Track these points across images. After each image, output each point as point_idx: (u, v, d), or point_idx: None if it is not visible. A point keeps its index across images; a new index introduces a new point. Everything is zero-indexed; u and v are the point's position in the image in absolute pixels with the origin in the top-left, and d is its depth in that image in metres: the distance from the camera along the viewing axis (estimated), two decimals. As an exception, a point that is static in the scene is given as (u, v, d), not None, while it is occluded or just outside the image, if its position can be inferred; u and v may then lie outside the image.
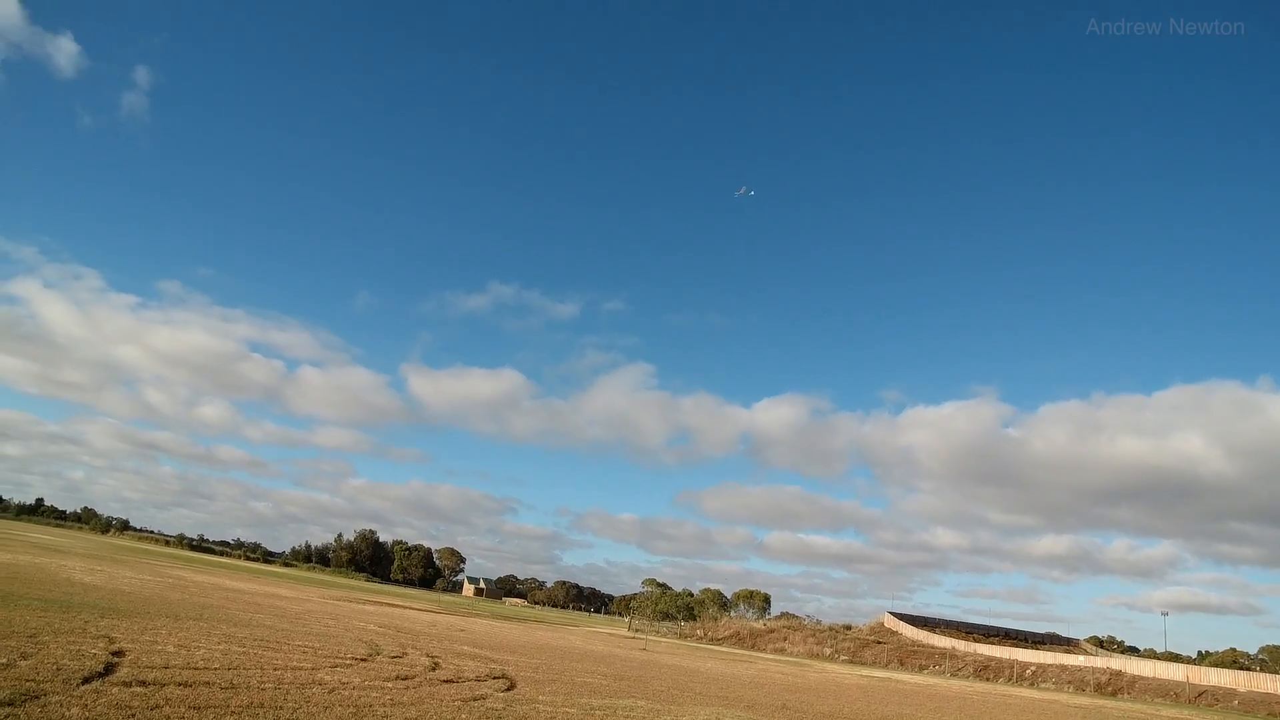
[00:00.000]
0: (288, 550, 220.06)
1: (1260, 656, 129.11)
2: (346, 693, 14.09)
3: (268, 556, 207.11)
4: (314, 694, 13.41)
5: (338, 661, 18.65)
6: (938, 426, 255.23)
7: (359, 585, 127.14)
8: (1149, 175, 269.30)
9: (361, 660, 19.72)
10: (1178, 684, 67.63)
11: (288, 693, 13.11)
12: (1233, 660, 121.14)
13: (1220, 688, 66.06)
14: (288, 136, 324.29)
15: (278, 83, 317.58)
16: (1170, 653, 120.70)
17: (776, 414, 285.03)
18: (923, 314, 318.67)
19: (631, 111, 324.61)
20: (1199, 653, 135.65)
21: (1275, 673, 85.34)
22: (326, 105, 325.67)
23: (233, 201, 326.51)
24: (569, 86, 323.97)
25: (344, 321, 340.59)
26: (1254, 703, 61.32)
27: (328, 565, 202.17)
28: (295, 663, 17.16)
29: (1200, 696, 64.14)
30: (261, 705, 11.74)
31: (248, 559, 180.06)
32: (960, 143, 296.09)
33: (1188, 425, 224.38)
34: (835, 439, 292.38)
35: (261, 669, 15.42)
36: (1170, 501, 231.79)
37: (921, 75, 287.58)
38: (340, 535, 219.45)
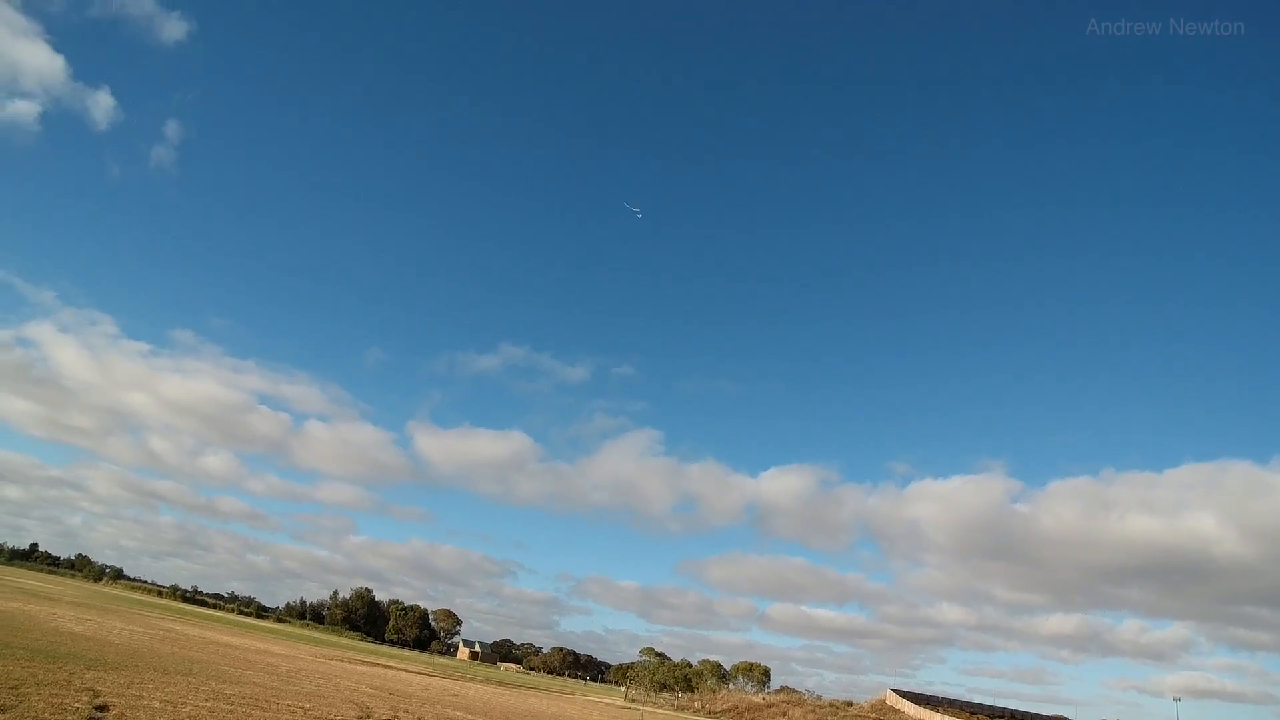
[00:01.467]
0: (282, 606, 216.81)
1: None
2: (334, 757, 13.63)
3: (261, 611, 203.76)
4: (301, 757, 12.97)
5: (327, 724, 18.12)
6: (945, 500, 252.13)
7: (352, 644, 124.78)
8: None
9: (351, 723, 19.17)
10: (1192, 776, 65.11)
11: (274, 755, 12.68)
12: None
13: (1237, 782, 63.58)
14: (309, 193, 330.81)
15: (302, 140, 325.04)
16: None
17: (783, 484, 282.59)
18: (933, 386, 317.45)
19: (647, 177, 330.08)
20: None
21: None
22: (349, 166, 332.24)
23: (251, 254, 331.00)
24: (586, 151, 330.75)
25: (354, 377, 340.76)
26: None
27: (322, 622, 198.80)
28: (283, 723, 16.68)
29: (1216, 791, 61.76)
30: (246, 768, 11.32)
31: (241, 613, 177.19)
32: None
33: (1200, 504, 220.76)
34: (841, 511, 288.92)
35: (248, 729, 14.97)
36: (1182, 582, 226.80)
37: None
38: (336, 593, 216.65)
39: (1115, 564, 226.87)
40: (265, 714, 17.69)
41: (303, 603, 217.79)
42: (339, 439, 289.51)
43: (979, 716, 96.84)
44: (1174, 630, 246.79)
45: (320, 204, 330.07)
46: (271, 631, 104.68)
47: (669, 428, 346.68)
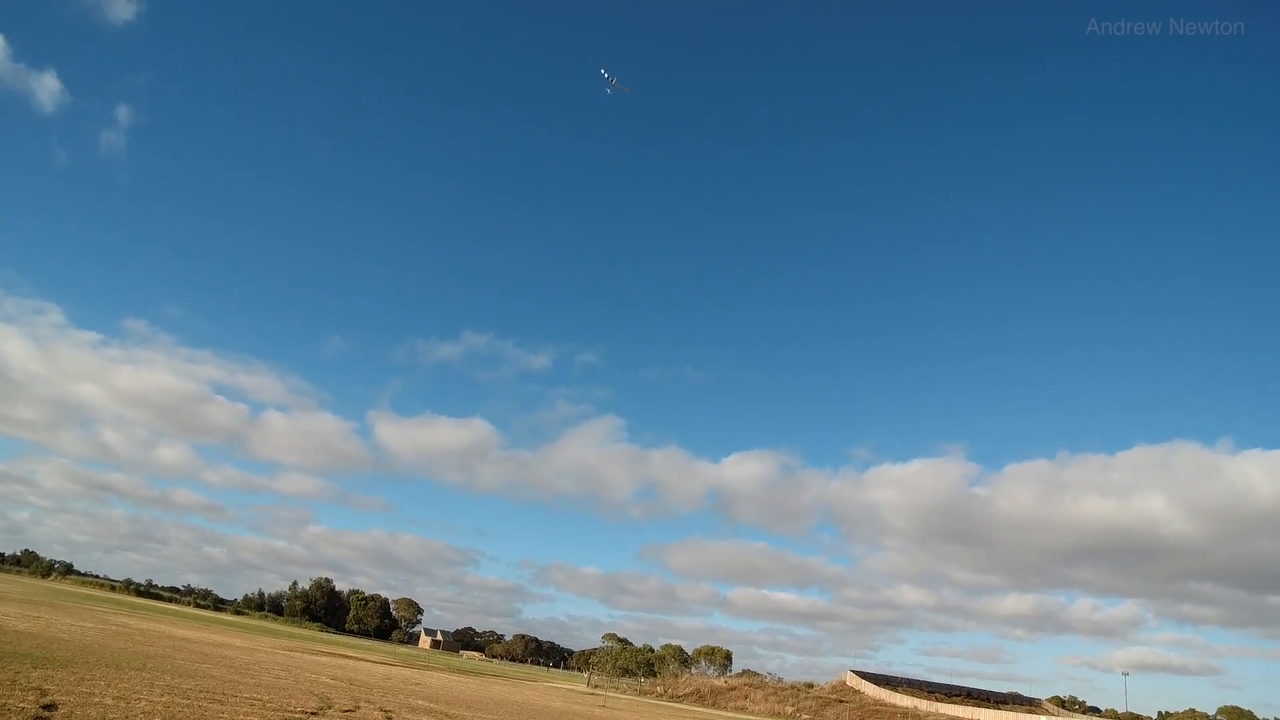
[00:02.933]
0: (240, 598, 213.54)
1: (1218, 717, 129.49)
2: (294, 750, 13.38)
3: (219, 604, 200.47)
4: (259, 751, 12.69)
5: (287, 715, 17.82)
6: (905, 484, 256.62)
7: (312, 635, 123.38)
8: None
9: (311, 714, 18.87)
10: (1140, 746, 67.34)
11: (231, 750, 12.40)
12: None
13: (1182, 750, 65.87)
14: (264, 179, 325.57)
15: (257, 125, 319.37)
16: (1131, 713, 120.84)
17: (745, 469, 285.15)
18: (894, 371, 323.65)
19: (611, 165, 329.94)
20: (1159, 713, 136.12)
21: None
22: (305, 150, 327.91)
23: (207, 242, 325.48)
24: (550, 139, 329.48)
25: (313, 366, 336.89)
26: (1216, 766, 61.11)
27: (281, 614, 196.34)
28: (242, 716, 16.34)
29: (1162, 759, 63.86)
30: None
31: (198, 606, 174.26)
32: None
33: (1150, 486, 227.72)
34: (803, 495, 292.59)
35: (204, 724, 14.63)
36: (1133, 562, 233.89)
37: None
38: (295, 583, 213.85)
39: (1069, 545, 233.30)
40: (223, 708, 17.34)
41: (261, 594, 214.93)
42: (298, 429, 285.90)
43: (937, 695, 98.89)
44: (1124, 608, 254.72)
45: (278, 191, 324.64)
46: (229, 624, 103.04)
47: (632, 415, 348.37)
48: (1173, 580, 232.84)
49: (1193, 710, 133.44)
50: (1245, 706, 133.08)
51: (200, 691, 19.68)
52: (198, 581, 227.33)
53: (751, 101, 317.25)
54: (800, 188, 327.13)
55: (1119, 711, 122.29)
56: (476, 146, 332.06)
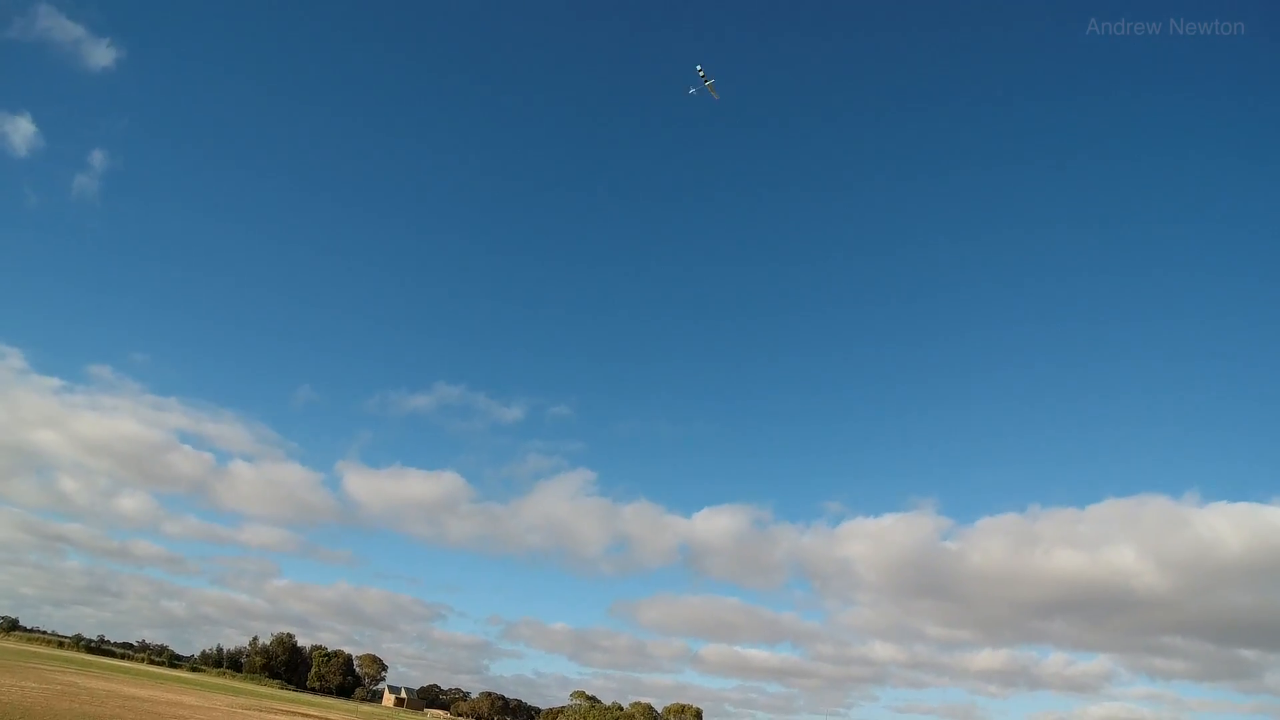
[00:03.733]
0: (197, 654, 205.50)
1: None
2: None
3: (174, 660, 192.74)
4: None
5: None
6: (877, 538, 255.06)
7: (271, 693, 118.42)
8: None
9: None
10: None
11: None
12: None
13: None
14: (237, 226, 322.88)
15: (231, 172, 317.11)
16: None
17: (717, 524, 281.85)
18: (866, 425, 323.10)
19: (584, 217, 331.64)
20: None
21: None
22: (278, 199, 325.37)
23: (177, 289, 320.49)
24: (524, 189, 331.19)
25: (282, 415, 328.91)
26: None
27: (240, 670, 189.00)
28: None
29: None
30: None
31: (153, 662, 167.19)
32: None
33: (1120, 539, 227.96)
34: (775, 550, 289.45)
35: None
36: (1104, 615, 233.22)
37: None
38: (256, 639, 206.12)
39: (1041, 598, 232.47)
40: (175, 780, 15.51)
41: (220, 650, 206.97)
42: (265, 479, 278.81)
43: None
44: (1097, 662, 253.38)
45: (250, 239, 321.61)
46: (185, 681, 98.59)
47: (604, 468, 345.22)
48: (1144, 633, 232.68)
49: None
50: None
51: (150, 760, 17.78)
52: (153, 637, 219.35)
53: (727, 154, 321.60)
54: (770, 240, 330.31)
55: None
56: (450, 195, 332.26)
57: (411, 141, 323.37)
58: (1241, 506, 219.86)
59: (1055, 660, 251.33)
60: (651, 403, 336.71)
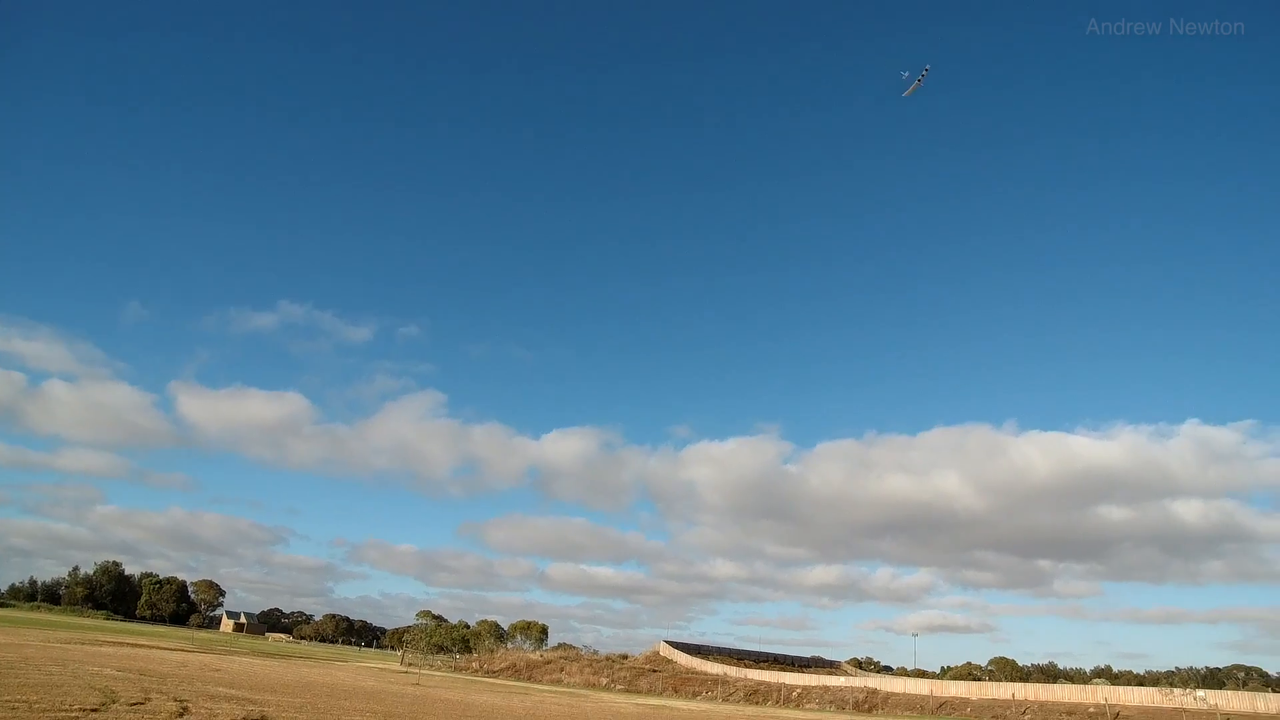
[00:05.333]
0: (5, 589, 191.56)
1: (989, 668, 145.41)
2: (68, 750, 12.46)
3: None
4: (26, 754, 11.74)
5: (60, 715, 16.50)
6: (721, 462, 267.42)
7: (96, 625, 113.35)
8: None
9: (92, 711, 17.56)
10: (923, 697, 74.61)
11: (-8, 755, 11.38)
12: (968, 673, 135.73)
13: (957, 698, 73.63)
14: (58, 118, 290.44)
15: (58, 62, 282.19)
16: (919, 670, 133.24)
17: (566, 446, 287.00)
18: (714, 351, 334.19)
19: (434, 137, 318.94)
20: (942, 668, 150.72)
21: (1001, 681, 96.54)
22: (105, 93, 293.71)
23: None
24: (372, 103, 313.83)
25: (109, 333, 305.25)
26: (983, 708, 68.83)
27: (58, 603, 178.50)
28: None
29: (941, 707, 70.97)
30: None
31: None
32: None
33: (946, 464, 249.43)
34: (622, 472, 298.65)
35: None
36: (928, 534, 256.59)
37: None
38: (77, 569, 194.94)
39: (873, 519, 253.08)
40: (-18, 710, 15.83)
41: (33, 583, 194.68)
42: (87, 401, 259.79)
43: (745, 662, 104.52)
44: (918, 576, 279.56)
45: (72, 132, 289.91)
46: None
47: (453, 390, 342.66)
48: (960, 549, 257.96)
49: (969, 663, 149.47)
50: (1010, 656, 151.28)
51: (-45, 693, 17.84)
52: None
53: (568, 81, 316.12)
54: (619, 170, 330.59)
55: (909, 669, 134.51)
56: (298, 101, 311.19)
57: (257, 42, 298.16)
58: (1051, 435, 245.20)
59: (882, 575, 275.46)
60: (503, 326, 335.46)
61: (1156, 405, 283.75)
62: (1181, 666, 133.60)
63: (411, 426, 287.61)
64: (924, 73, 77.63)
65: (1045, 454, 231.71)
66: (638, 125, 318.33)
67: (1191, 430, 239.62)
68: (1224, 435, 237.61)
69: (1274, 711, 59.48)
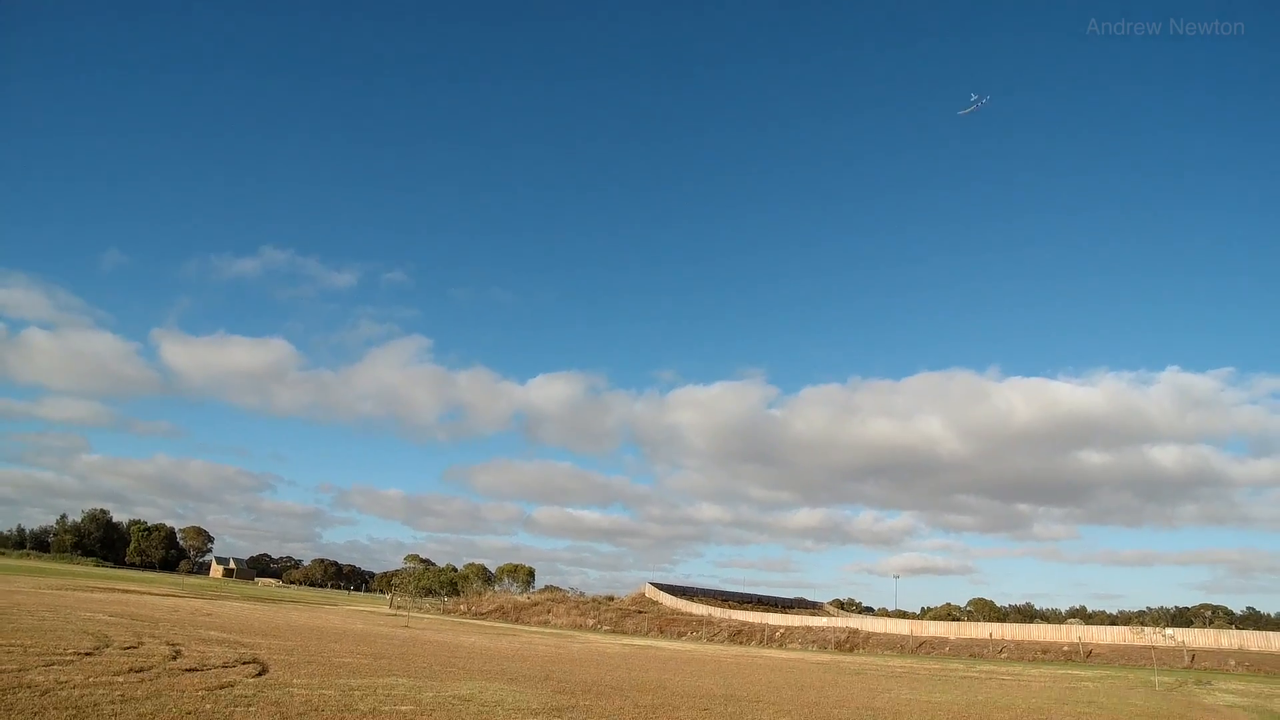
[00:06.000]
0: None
1: (968, 609, 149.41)
2: (64, 693, 12.74)
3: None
4: (20, 699, 12.00)
5: (55, 659, 16.78)
6: (707, 406, 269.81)
7: (86, 571, 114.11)
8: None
9: (86, 655, 17.86)
10: (903, 637, 76.82)
11: (-12, 697, 11.63)
12: (947, 613, 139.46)
13: (936, 638, 75.88)
14: (33, 56, 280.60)
15: (37, 18, 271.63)
16: (899, 610, 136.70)
17: (552, 391, 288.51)
18: (701, 296, 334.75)
19: (420, 85, 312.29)
20: (922, 609, 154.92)
21: (979, 621, 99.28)
22: (79, 30, 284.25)
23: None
24: (366, 50, 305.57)
25: (87, 280, 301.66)
26: (961, 647, 71.02)
27: (47, 551, 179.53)
28: None
29: (921, 646, 73.09)
30: (-48, 714, 10.27)
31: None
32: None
33: (930, 409, 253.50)
34: (608, 417, 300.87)
35: (-45, 672, 13.54)
36: (910, 478, 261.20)
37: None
38: (65, 516, 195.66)
39: (857, 463, 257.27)
40: (-22, 654, 16.09)
41: (21, 530, 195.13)
42: (68, 349, 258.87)
43: (730, 603, 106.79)
44: (901, 519, 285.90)
45: (48, 79, 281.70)
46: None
47: (439, 335, 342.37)
48: (942, 493, 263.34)
49: (949, 604, 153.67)
50: (989, 597, 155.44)
51: (-50, 638, 18.08)
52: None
53: (555, 34, 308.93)
54: (609, 116, 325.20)
55: (889, 610, 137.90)
56: (280, 51, 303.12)
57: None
58: (1034, 381, 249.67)
59: (865, 518, 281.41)
60: (488, 270, 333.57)
61: (1138, 352, 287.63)
62: (1153, 606, 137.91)
63: (397, 372, 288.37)
64: (985, 100, 79.49)
65: (1027, 400, 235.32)
66: (624, 69, 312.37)
67: (1171, 377, 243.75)
68: (1203, 382, 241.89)
69: (1235, 647, 61.72)
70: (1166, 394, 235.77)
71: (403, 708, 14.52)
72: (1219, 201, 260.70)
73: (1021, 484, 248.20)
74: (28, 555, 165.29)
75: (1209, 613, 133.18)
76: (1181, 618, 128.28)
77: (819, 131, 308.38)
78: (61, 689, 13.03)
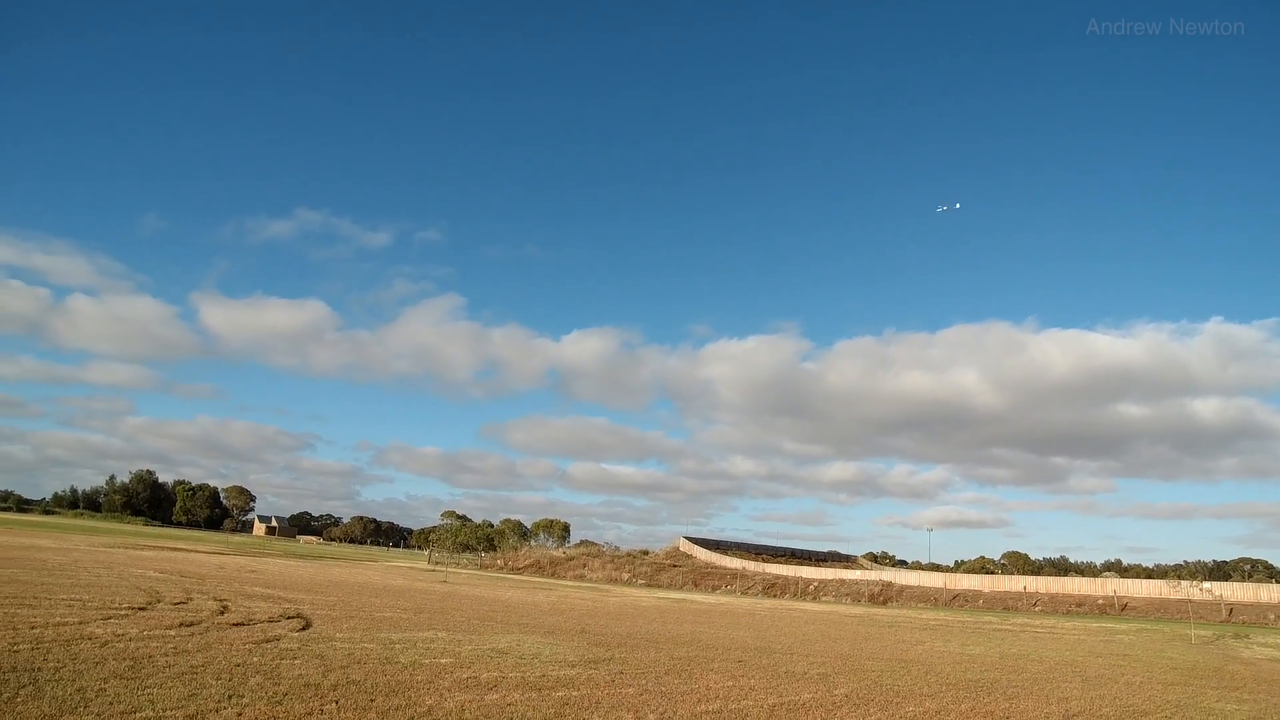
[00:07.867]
0: (49, 497, 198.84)
1: (1002, 561, 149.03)
2: (121, 645, 13.29)
3: (23, 505, 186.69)
4: (82, 649, 12.54)
5: (111, 613, 17.45)
6: (740, 360, 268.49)
7: (136, 530, 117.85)
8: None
9: (139, 609, 18.55)
10: (937, 590, 76.94)
11: (49, 651, 12.15)
12: (981, 567, 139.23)
13: (970, 590, 75.92)
14: (66, 31, 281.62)
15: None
16: (933, 563, 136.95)
17: (585, 346, 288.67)
18: (734, 249, 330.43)
19: (451, 40, 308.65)
20: (956, 562, 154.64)
21: (1013, 574, 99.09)
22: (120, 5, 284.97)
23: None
24: (392, 14, 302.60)
25: (127, 245, 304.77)
26: (994, 600, 71.03)
27: (99, 510, 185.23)
28: (59, 619, 15.89)
29: (954, 599, 73.23)
30: (14, 669, 10.73)
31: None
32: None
33: (965, 361, 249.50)
34: (642, 372, 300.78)
35: (15, 629, 14.15)
36: (945, 431, 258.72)
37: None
38: (114, 477, 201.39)
39: (891, 416, 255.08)
40: (35, 612, 16.76)
41: (74, 491, 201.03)
42: (111, 314, 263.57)
43: (763, 557, 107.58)
44: (935, 472, 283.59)
45: (82, 46, 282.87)
46: (38, 525, 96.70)
47: (473, 293, 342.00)
48: (977, 446, 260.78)
49: (983, 557, 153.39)
50: (1023, 551, 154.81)
51: (8, 598, 18.84)
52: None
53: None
54: (637, 68, 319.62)
55: (923, 563, 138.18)
56: (313, 10, 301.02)
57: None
58: (1071, 333, 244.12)
59: (899, 471, 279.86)
60: (521, 227, 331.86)
61: (1180, 303, 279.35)
62: (1190, 560, 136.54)
63: (432, 330, 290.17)
64: (955, 206, 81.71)
65: (1065, 351, 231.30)
66: (654, 22, 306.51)
67: (1215, 328, 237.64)
68: (1247, 333, 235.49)
69: (1275, 600, 60.98)
70: (1209, 345, 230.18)
71: (442, 660, 14.94)
72: (1269, 143, 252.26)
73: (1057, 437, 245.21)
74: (81, 515, 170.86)
75: (1248, 566, 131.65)
76: (1219, 571, 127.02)
77: (854, 83, 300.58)
78: (119, 641, 13.59)
